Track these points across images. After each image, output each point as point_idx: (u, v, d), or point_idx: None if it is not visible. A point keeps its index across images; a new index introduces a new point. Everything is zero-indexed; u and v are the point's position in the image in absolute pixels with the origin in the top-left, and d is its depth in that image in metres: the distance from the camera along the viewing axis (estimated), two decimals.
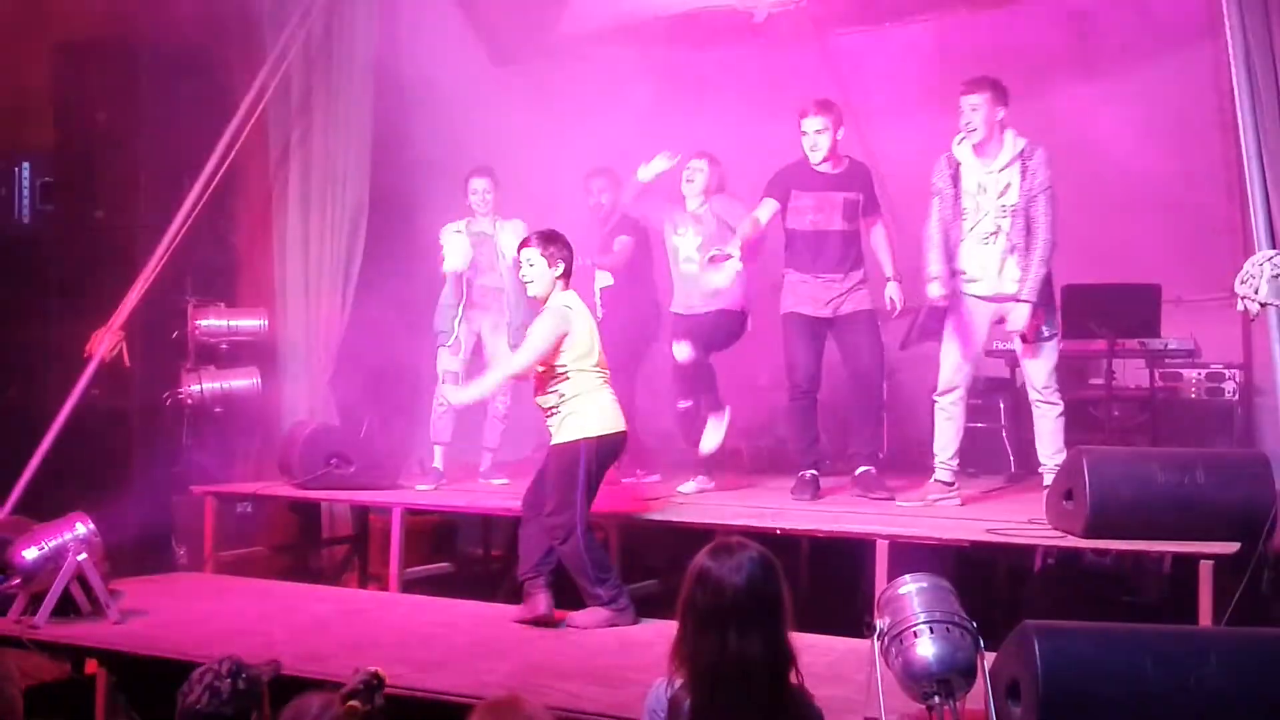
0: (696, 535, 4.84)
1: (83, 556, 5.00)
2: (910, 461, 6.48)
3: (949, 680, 3.34)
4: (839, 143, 5.95)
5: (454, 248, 6.49)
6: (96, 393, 6.46)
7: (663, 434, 6.88)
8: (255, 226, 7.28)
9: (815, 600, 5.37)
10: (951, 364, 5.58)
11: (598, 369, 5.07)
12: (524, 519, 5.25)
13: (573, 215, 6.71)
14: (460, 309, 6.52)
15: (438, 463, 6.48)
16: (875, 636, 3.45)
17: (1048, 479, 5.37)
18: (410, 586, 5.94)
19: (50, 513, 5.30)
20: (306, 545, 6.92)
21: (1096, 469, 4.66)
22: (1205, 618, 4.31)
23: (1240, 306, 4.50)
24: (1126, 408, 7.07)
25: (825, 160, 5.95)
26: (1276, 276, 4.36)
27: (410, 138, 7.35)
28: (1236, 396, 6.92)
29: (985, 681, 3.41)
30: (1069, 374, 7.18)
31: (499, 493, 6.26)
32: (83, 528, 5.08)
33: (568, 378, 5.01)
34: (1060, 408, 5.46)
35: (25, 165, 7.08)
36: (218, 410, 6.89)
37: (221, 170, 6.69)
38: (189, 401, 6.79)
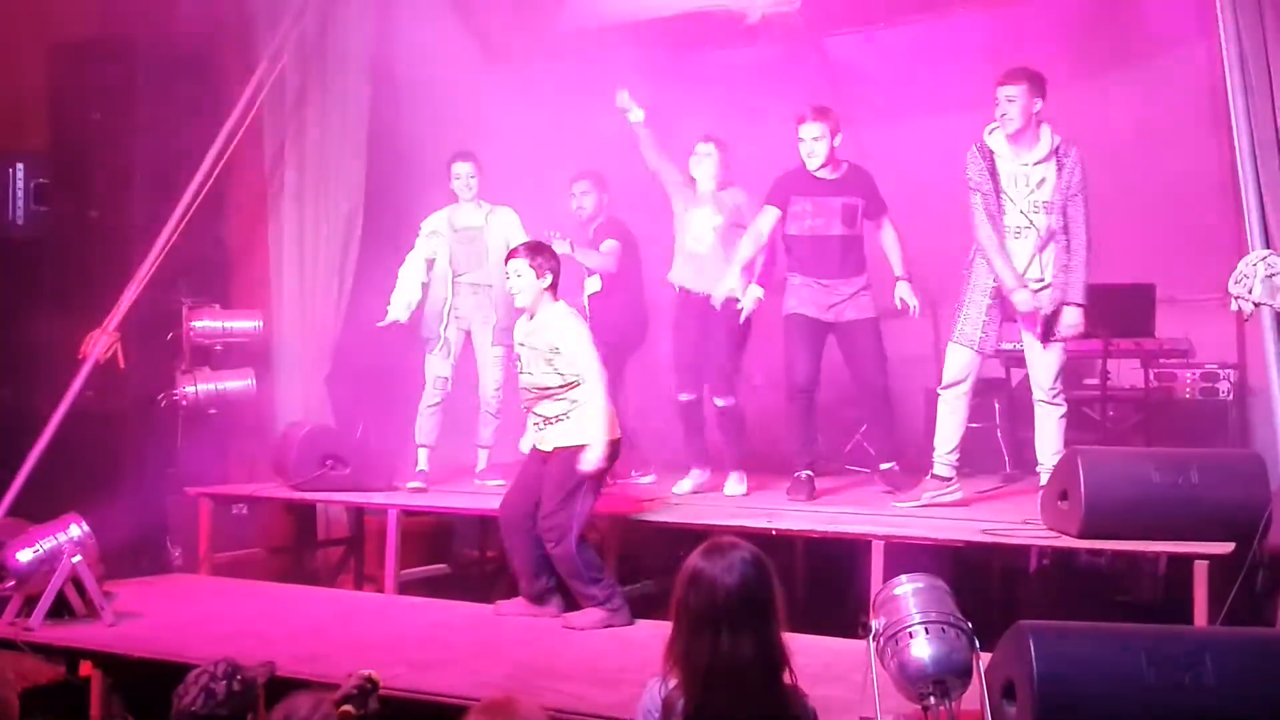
0: (692, 536, 4.84)
1: (77, 558, 5.00)
2: (903, 465, 6.48)
3: (944, 681, 3.34)
4: (837, 148, 5.96)
5: (406, 279, 6.46)
6: (91, 394, 6.45)
7: (655, 434, 6.88)
8: (250, 227, 7.27)
9: (811, 601, 5.38)
10: (963, 358, 5.52)
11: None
12: (512, 529, 5.23)
13: (568, 214, 6.72)
14: (447, 314, 6.50)
15: (423, 465, 6.47)
16: (871, 637, 3.45)
17: (1045, 479, 5.35)
18: (406, 588, 5.93)
19: (45, 514, 5.29)
20: (302, 547, 6.92)
21: (1091, 469, 4.66)
22: (1200, 618, 4.32)
23: (1234, 306, 4.50)
24: (1121, 408, 7.08)
25: (823, 166, 5.96)
26: (1270, 276, 4.35)
27: (405, 137, 7.34)
28: (1231, 396, 6.92)
29: (981, 682, 3.41)
30: (1064, 375, 7.20)
31: (495, 494, 6.24)
32: (77, 529, 5.07)
33: (579, 384, 5.03)
34: (1063, 409, 5.45)
35: (19, 166, 7.07)
36: (212, 412, 6.89)
37: (216, 171, 6.68)
38: (184, 403, 6.79)
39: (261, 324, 7.05)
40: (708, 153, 6.20)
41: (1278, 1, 4.97)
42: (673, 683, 2.95)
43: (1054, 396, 5.44)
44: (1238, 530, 4.49)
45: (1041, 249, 5.41)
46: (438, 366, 6.51)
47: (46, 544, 5.03)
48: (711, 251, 6.14)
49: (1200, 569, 4.37)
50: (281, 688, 3.12)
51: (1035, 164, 5.37)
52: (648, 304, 6.72)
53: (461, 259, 6.53)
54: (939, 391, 5.62)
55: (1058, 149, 5.36)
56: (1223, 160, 5.78)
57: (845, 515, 5.45)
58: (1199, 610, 4.33)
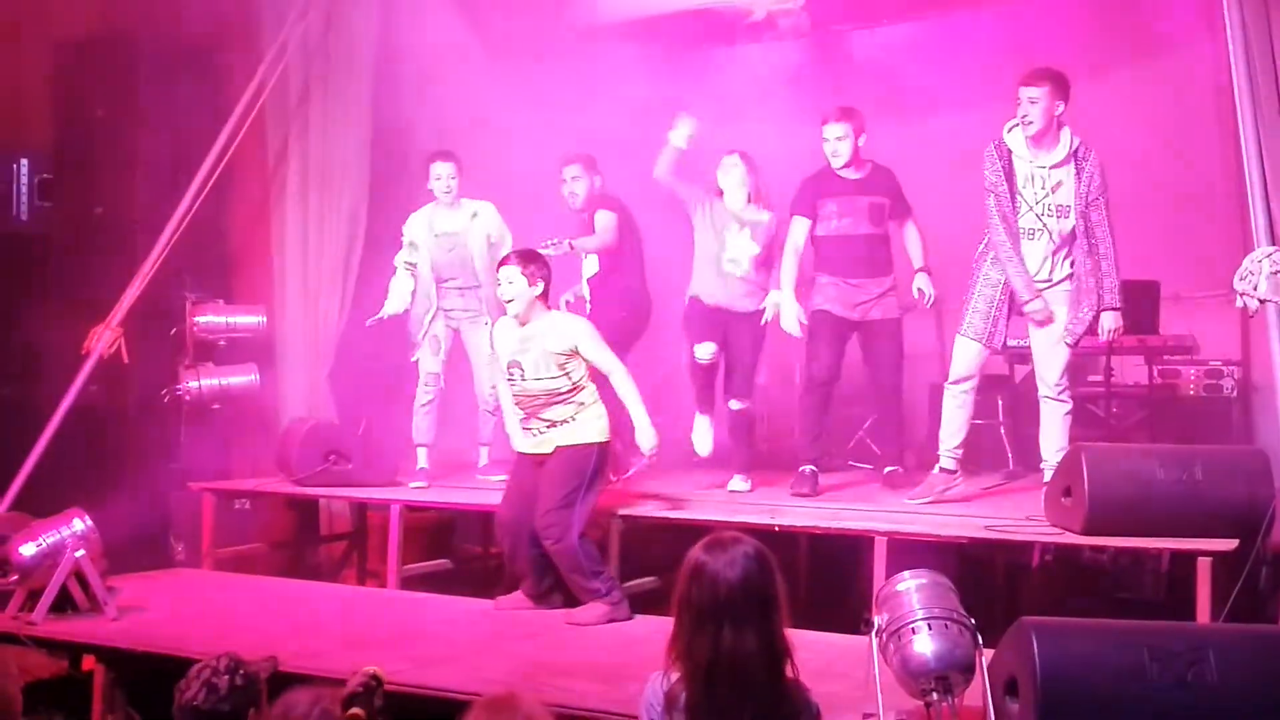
0: (695, 532, 4.83)
1: (80, 553, 5.00)
2: (906, 467, 6.48)
3: (947, 677, 3.34)
4: (861, 148, 5.97)
5: (395, 291, 6.44)
6: (95, 389, 6.46)
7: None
8: (254, 223, 7.27)
9: (813, 597, 5.38)
10: (971, 354, 5.51)
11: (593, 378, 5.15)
12: (510, 533, 5.24)
13: (560, 204, 6.67)
14: (429, 322, 6.49)
15: (424, 463, 6.47)
16: (873, 633, 3.45)
17: (1048, 476, 5.35)
18: (409, 583, 5.93)
19: (48, 509, 5.30)
20: (304, 542, 6.92)
21: (1095, 466, 4.66)
22: (1203, 614, 4.31)
23: (1239, 303, 4.50)
24: (1125, 404, 7.07)
25: (847, 166, 5.98)
26: (1275, 273, 4.35)
27: (409, 133, 7.34)
28: (1235, 393, 6.91)
29: (983, 678, 3.41)
30: (1068, 370, 7.19)
31: (497, 490, 6.23)
32: (80, 524, 5.08)
33: (584, 387, 5.09)
34: (1069, 406, 5.43)
35: (24, 162, 7.07)
36: (216, 407, 6.89)
37: (220, 166, 6.68)
38: (187, 398, 6.79)
39: (265, 319, 7.05)
40: (734, 164, 6.11)
41: None
42: (674, 676, 2.95)
43: (1060, 393, 5.43)
44: (1241, 527, 4.49)
45: (1054, 252, 5.39)
46: (429, 364, 6.51)
47: (50, 538, 5.03)
48: (745, 275, 6.09)
49: (1203, 566, 4.36)
50: (284, 683, 3.12)
51: (1053, 167, 5.33)
52: (650, 291, 6.58)
53: (444, 265, 6.48)
54: (946, 386, 5.62)
55: (1076, 152, 5.32)
56: (1228, 157, 5.77)
57: (848, 511, 5.45)
58: (1202, 607, 4.33)
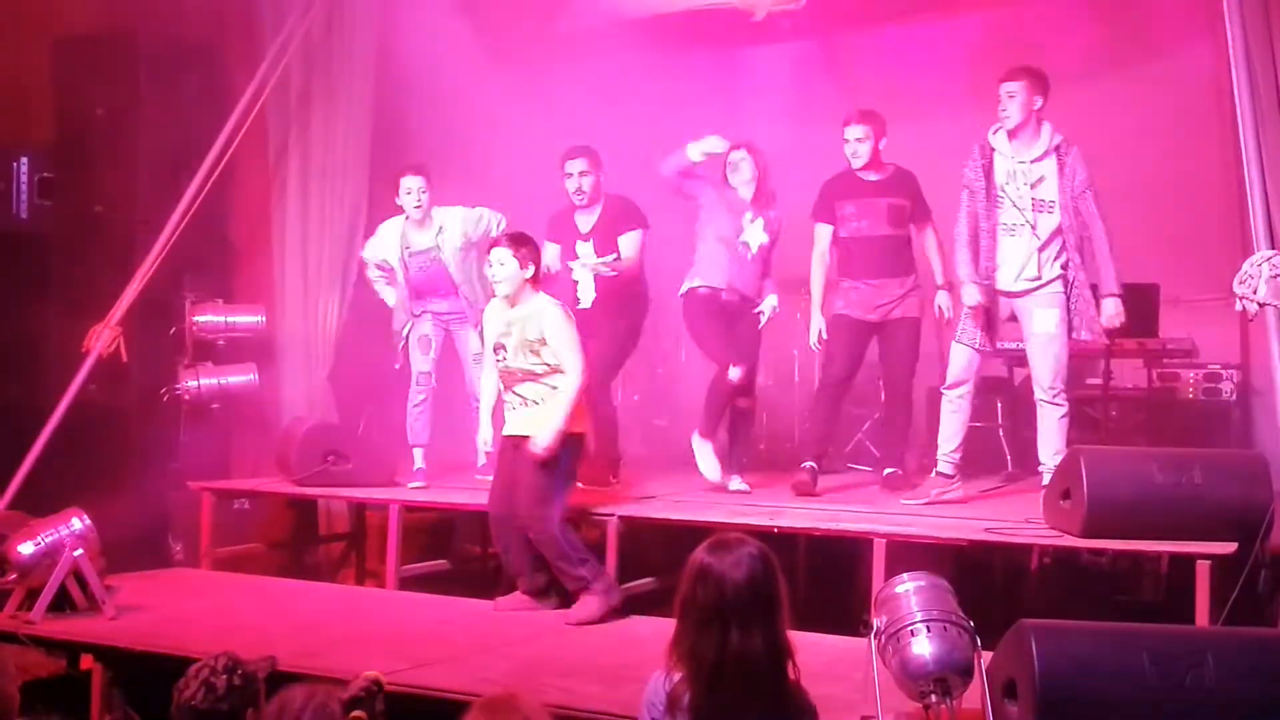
0: (694, 533, 4.83)
1: (79, 552, 4.99)
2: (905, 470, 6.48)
3: (946, 679, 3.34)
4: (881, 151, 6.00)
5: (389, 297, 6.46)
6: (94, 388, 6.45)
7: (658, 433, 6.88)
8: (254, 222, 7.27)
9: (812, 599, 5.37)
10: (964, 358, 5.55)
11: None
12: (502, 527, 5.26)
13: (558, 199, 6.64)
14: (406, 332, 6.48)
15: (421, 463, 6.46)
16: (872, 635, 3.45)
17: (1046, 478, 5.36)
18: (407, 584, 5.92)
19: (47, 508, 5.29)
20: (303, 542, 6.91)
21: (1094, 469, 4.66)
22: (1202, 618, 4.31)
23: (1238, 306, 4.50)
24: (1124, 407, 7.08)
25: (867, 167, 6.02)
26: (1275, 277, 4.35)
27: (409, 134, 7.34)
28: (1234, 396, 6.92)
29: (982, 680, 3.41)
30: (1067, 373, 7.19)
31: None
32: (79, 523, 5.07)
33: (563, 372, 5.05)
34: (1065, 409, 5.45)
35: (24, 160, 7.07)
36: (215, 406, 6.89)
37: (220, 166, 6.68)
38: (186, 397, 6.79)
39: (264, 319, 7.05)
40: (742, 158, 6.13)
41: None
42: (677, 676, 2.95)
43: (1055, 396, 5.44)
44: (1240, 530, 4.48)
45: (1041, 249, 5.41)
46: (419, 363, 6.49)
47: (48, 537, 5.03)
48: (753, 262, 6.13)
49: (1202, 569, 4.36)
50: (282, 682, 3.12)
51: (1033, 161, 5.39)
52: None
53: (422, 281, 6.42)
54: (943, 391, 5.64)
55: (1058, 147, 5.38)
56: (1227, 160, 5.78)
57: (847, 513, 5.45)
58: (1200, 610, 4.33)
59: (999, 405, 7.00)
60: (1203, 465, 4.67)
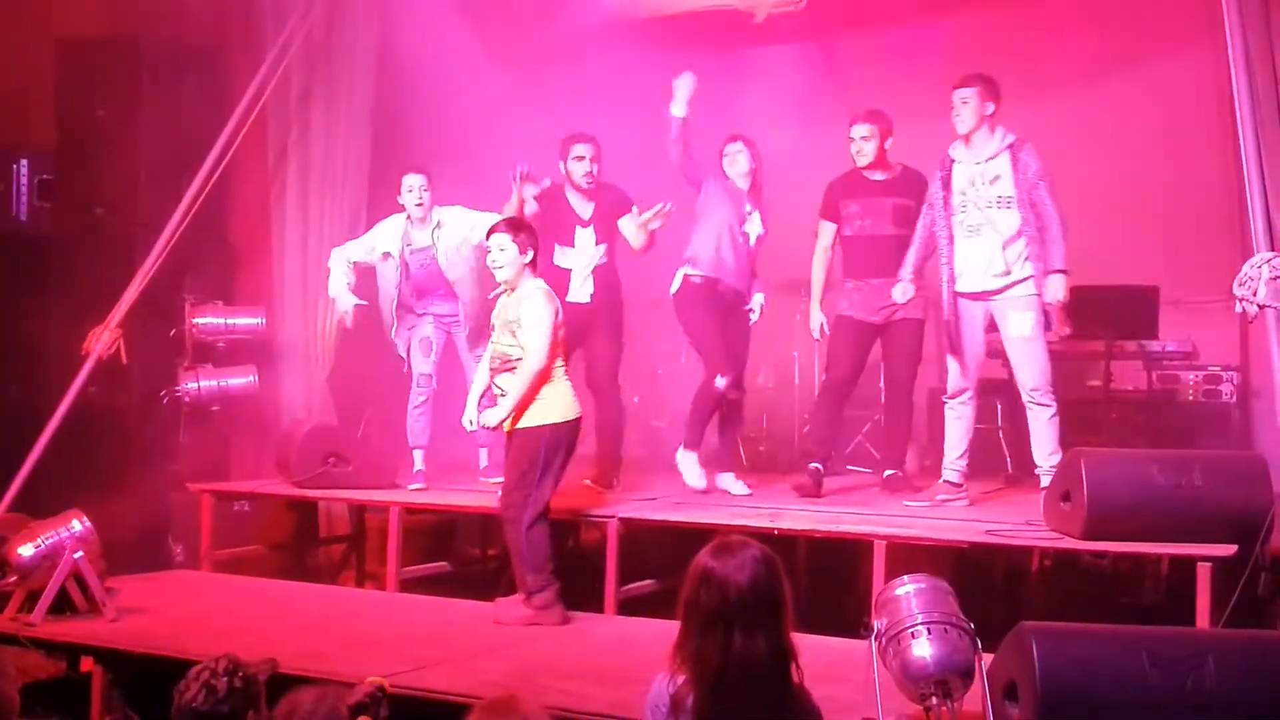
0: (694, 535, 4.84)
1: (79, 554, 5.00)
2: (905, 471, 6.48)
3: (946, 681, 3.34)
4: (887, 150, 6.02)
5: (337, 283, 6.37)
6: (94, 390, 6.45)
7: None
8: (254, 224, 7.27)
9: (813, 601, 5.37)
10: (957, 368, 5.63)
11: (559, 358, 5.06)
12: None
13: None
14: (402, 332, 6.45)
15: (420, 465, 6.46)
16: (873, 637, 3.45)
17: (1044, 480, 5.38)
18: (407, 586, 5.92)
19: (47, 510, 5.29)
20: (303, 544, 6.92)
21: (1094, 471, 4.66)
22: (1203, 620, 4.31)
23: (1238, 308, 4.51)
24: (1124, 409, 7.08)
25: (873, 167, 6.04)
26: (1275, 279, 4.36)
27: (409, 135, 7.34)
28: (1234, 398, 6.92)
29: (983, 682, 3.41)
30: (1067, 376, 7.19)
31: (497, 492, 6.24)
32: (79, 525, 5.07)
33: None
34: (1053, 409, 5.46)
35: (24, 162, 7.07)
36: (215, 408, 6.89)
37: (220, 168, 6.68)
38: (186, 399, 6.79)
39: (264, 320, 7.04)
40: (739, 150, 6.13)
41: None
42: (680, 679, 2.95)
43: (1040, 397, 5.46)
44: (1240, 532, 4.48)
45: (1006, 246, 5.47)
46: (420, 365, 6.49)
47: (48, 539, 5.03)
48: (748, 256, 6.14)
49: (1203, 571, 4.36)
50: (283, 685, 3.12)
51: (988, 160, 5.50)
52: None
53: (423, 279, 6.42)
54: (944, 400, 5.70)
55: (1011, 145, 5.48)
56: (1227, 163, 5.78)
57: (847, 515, 5.45)
58: (1201, 612, 4.33)
59: (999, 407, 7.00)
60: (1203, 467, 4.67)
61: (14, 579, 5.03)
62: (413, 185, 6.32)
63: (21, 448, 6.13)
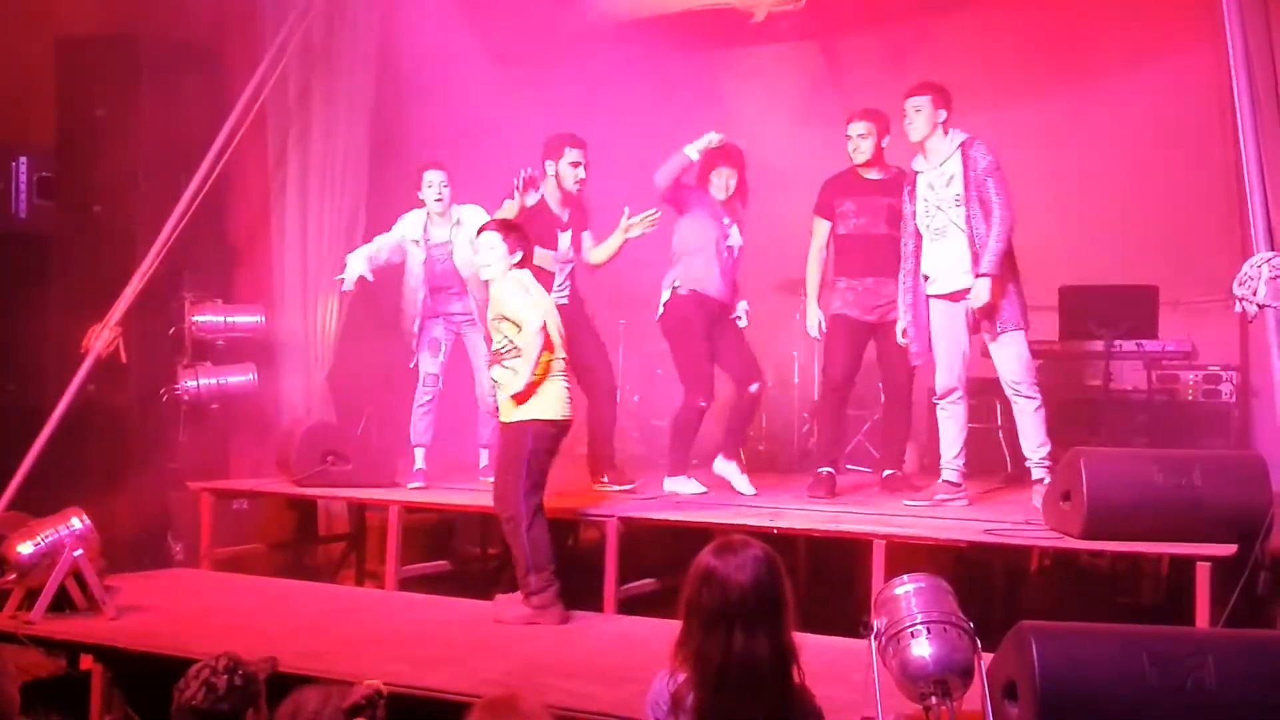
0: (694, 534, 4.84)
1: (78, 552, 5.00)
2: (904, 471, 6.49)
3: (946, 681, 3.33)
4: (884, 149, 6.04)
5: (361, 252, 6.38)
6: (93, 388, 6.45)
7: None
8: (253, 222, 7.27)
9: (812, 600, 5.38)
10: (941, 368, 5.66)
11: (555, 354, 5.03)
12: None
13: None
14: (417, 327, 6.46)
15: (421, 463, 6.46)
16: (872, 636, 3.45)
17: (1036, 473, 5.45)
18: (407, 584, 5.92)
19: (46, 508, 5.29)
20: (303, 542, 6.92)
21: (1094, 470, 4.66)
22: (1202, 619, 4.31)
23: (1238, 308, 4.51)
24: (1124, 409, 7.07)
25: (869, 166, 6.06)
26: (1274, 278, 4.36)
27: (409, 135, 7.34)
28: (1234, 398, 6.92)
29: (982, 682, 3.41)
30: (1067, 375, 7.20)
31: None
32: (79, 523, 5.08)
33: (519, 353, 4.97)
34: (1038, 401, 5.48)
35: (23, 160, 7.07)
36: (214, 406, 6.89)
37: (220, 166, 6.68)
38: (185, 397, 6.79)
39: (263, 319, 7.05)
40: (730, 173, 6.12)
41: None
42: (681, 677, 2.96)
43: (1025, 389, 5.48)
44: (1240, 532, 4.49)
45: (968, 246, 5.50)
46: (427, 364, 6.50)
47: (48, 537, 5.03)
48: (732, 268, 6.15)
49: (1202, 571, 4.36)
50: (283, 683, 3.12)
51: (942, 163, 5.57)
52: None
53: (440, 274, 6.43)
54: (934, 402, 5.71)
55: (962, 144, 5.54)
56: (1227, 163, 5.79)
57: (847, 515, 5.46)
58: (1201, 612, 4.33)
59: (997, 406, 6.99)
60: (1202, 467, 4.67)
61: (13, 577, 5.03)
62: (432, 180, 6.35)
63: (21, 446, 6.13)
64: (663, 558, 5.73)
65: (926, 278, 5.69)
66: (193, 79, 7.00)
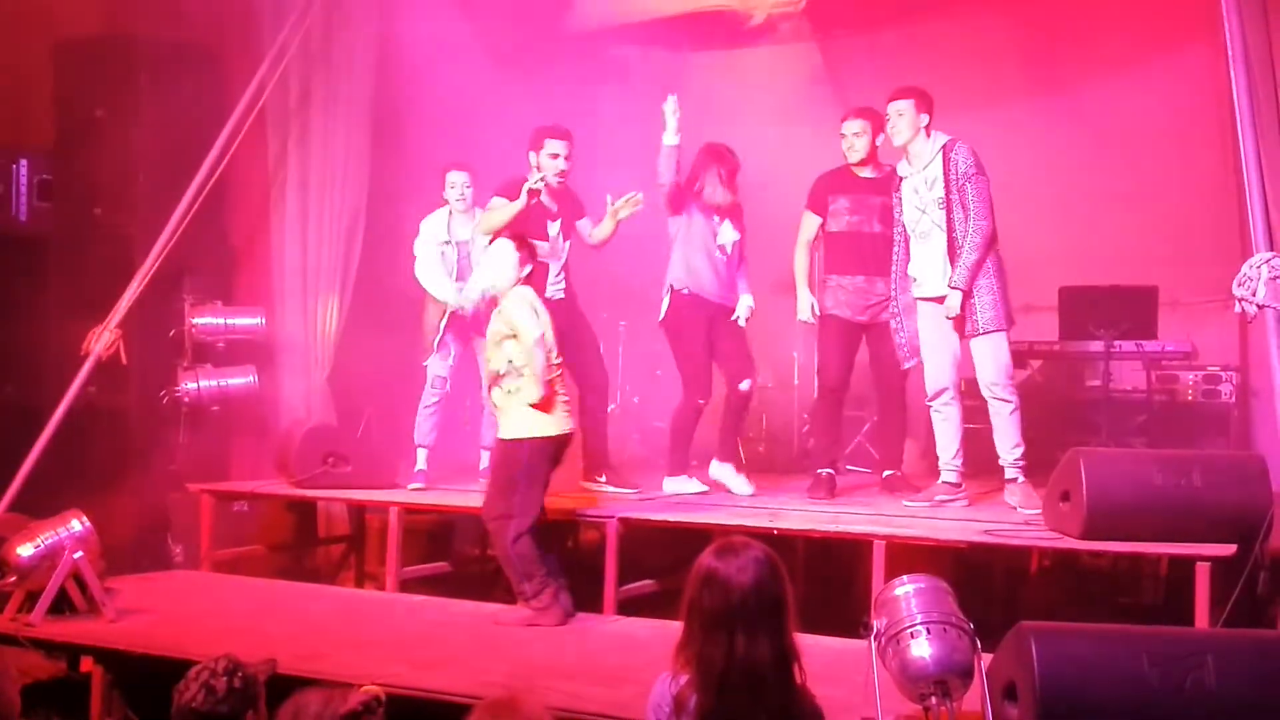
0: (694, 535, 4.85)
1: (79, 554, 5.00)
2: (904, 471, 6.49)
3: (946, 681, 3.33)
4: (879, 148, 6.04)
5: (446, 287, 6.40)
6: (93, 390, 6.46)
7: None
8: (253, 224, 7.27)
9: (812, 600, 5.38)
10: (931, 370, 5.66)
11: (551, 372, 5.04)
12: None
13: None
14: (443, 323, 6.44)
15: (422, 464, 6.47)
16: (872, 637, 3.45)
17: (1009, 473, 5.47)
18: (407, 586, 5.92)
19: (46, 510, 5.29)
20: (303, 544, 6.92)
21: (1093, 471, 4.66)
22: (1202, 619, 4.31)
23: (1237, 308, 4.51)
24: (1123, 409, 7.07)
25: (863, 164, 6.07)
26: (1274, 278, 4.36)
27: (409, 136, 7.34)
28: (1233, 398, 6.92)
29: (982, 682, 3.41)
30: (1066, 376, 7.21)
31: None
32: (79, 525, 5.08)
33: (523, 374, 4.98)
34: (1014, 404, 5.48)
35: (23, 162, 7.07)
36: (214, 408, 6.89)
37: (220, 168, 6.68)
38: (186, 399, 6.79)
39: (264, 320, 7.05)
40: (716, 170, 6.12)
41: None
42: (683, 679, 2.96)
43: (1001, 391, 5.47)
44: (1239, 532, 4.49)
45: (951, 248, 5.51)
46: (436, 367, 6.51)
47: (48, 539, 5.03)
48: (729, 265, 6.16)
49: (1202, 571, 4.36)
50: (282, 685, 3.12)
51: (925, 167, 5.58)
52: None
53: (464, 275, 6.45)
54: (927, 404, 5.71)
55: (944, 146, 5.54)
56: (1227, 163, 5.79)
57: (847, 515, 5.46)
58: (1200, 612, 4.33)
59: None
60: (1202, 467, 4.67)
61: (13, 579, 5.02)
62: (455, 182, 6.42)
63: (21, 448, 6.12)
64: (663, 559, 5.73)
65: (914, 280, 5.69)
66: (192, 80, 7.00)
